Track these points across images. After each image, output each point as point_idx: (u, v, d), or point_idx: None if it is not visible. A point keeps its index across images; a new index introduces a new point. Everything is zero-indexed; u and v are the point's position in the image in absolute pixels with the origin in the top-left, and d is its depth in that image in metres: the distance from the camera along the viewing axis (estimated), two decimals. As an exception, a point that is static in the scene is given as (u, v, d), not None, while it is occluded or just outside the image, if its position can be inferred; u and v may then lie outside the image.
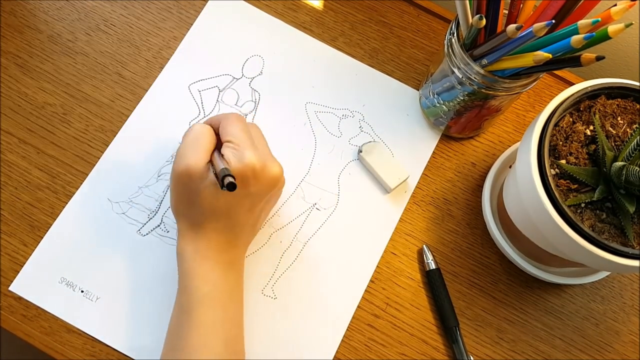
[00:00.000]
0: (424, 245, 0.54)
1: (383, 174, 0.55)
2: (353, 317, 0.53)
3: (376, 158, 0.56)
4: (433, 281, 0.53)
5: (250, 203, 0.47)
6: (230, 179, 0.41)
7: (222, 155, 0.45)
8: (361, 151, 0.56)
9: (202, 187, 0.45)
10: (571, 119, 0.45)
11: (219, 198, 0.45)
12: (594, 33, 0.39)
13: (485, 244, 0.56)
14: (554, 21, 0.40)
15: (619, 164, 0.41)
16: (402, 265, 0.55)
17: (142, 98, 0.57)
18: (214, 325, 0.45)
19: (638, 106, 0.46)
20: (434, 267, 0.53)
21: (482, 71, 0.46)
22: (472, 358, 0.51)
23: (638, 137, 0.41)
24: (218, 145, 0.47)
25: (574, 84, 0.56)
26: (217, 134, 0.47)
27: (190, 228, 0.47)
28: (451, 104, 0.53)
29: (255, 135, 0.48)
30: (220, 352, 0.44)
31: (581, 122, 0.45)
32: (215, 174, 0.44)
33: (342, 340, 0.52)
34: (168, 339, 0.46)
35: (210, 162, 0.45)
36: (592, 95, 0.45)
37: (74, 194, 0.54)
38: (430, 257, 0.54)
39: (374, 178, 0.57)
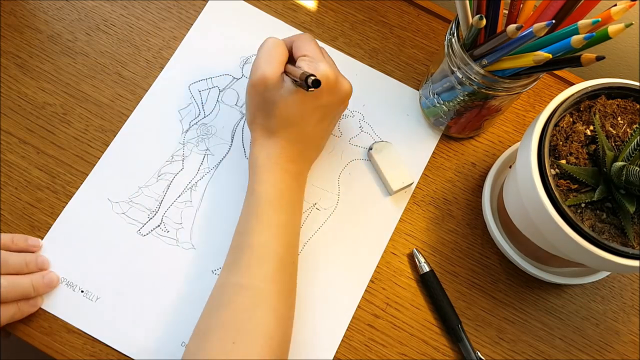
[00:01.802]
0: (414, 249, 0.54)
1: (388, 175, 0.55)
2: (353, 317, 0.53)
3: (384, 158, 0.56)
4: (429, 284, 0.53)
5: (321, 115, 0.50)
6: (314, 77, 0.43)
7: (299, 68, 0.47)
8: (371, 149, 0.56)
9: (278, 96, 0.47)
10: (571, 119, 0.45)
11: (294, 107, 0.48)
12: (594, 33, 0.39)
13: (485, 244, 0.56)
14: (554, 21, 0.40)
15: (619, 164, 0.41)
16: (402, 265, 0.55)
17: (142, 98, 0.57)
18: (278, 228, 0.48)
19: (638, 106, 0.46)
20: (427, 269, 0.53)
21: (482, 71, 0.46)
22: (479, 354, 0.51)
23: (638, 137, 0.41)
24: (290, 61, 0.50)
25: (574, 84, 0.56)
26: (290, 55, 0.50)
27: (265, 136, 0.50)
28: (451, 104, 0.53)
29: (326, 55, 0.51)
30: (282, 253, 0.47)
31: (581, 122, 0.45)
32: (294, 81, 0.46)
33: (342, 340, 0.52)
34: (234, 238, 0.49)
35: (285, 72, 0.48)
36: (592, 95, 0.45)
37: (74, 194, 0.54)
38: (422, 259, 0.54)
39: (375, 178, 0.57)
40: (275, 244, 0.47)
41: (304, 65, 0.47)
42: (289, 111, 0.48)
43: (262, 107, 0.49)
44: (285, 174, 0.49)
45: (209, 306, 0.47)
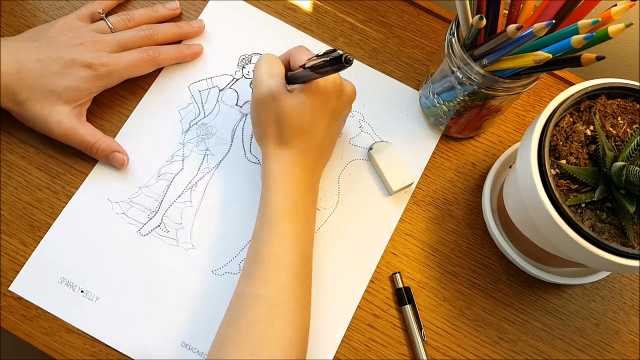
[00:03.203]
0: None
1: (388, 175, 0.55)
2: (353, 317, 0.53)
3: (384, 158, 0.56)
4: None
5: (330, 118, 0.50)
6: (345, 54, 0.42)
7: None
8: (372, 149, 0.56)
9: (287, 104, 0.48)
10: (571, 119, 0.45)
11: (304, 114, 0.48)
12: (594, 33, 0.40)
13: (485, 244, 0.56)
14: (554, 21, 0.40)
15: (619, 164, 0.41)
16: (402, 265, 0.55)
17: (142, 98, 0.57)
18: (293, 238, 0.48)
19: (638, 106, 0.46)
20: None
21: (482, 71, 0.46)
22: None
23: (638, 137, 0.41)
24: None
25: (574, 84, 0.56)
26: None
27: (277, 148, 0.50)
28: (451, 104, 0.53)
29: None
30: (297, 264, 0.47)
31: (581, 122, 0.45)
32: (315, 67, 0.45)
33: (342, 340, 0.52)
34: (250, 249, 0.49)
35: (305, 68, 0.47)
36: (592, 95, 0.45)
37: (74, 194, 0.54)
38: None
39: (375, 178, 0.57)
40: (291, 255, 0.47)
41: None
42: (301, 119, 0.48)
43: (273, 119, 0.49)
44: (300, 184, 0.50)
45: (227, 317, 0.47)
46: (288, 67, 0.51)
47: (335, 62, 0.42)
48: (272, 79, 0.48)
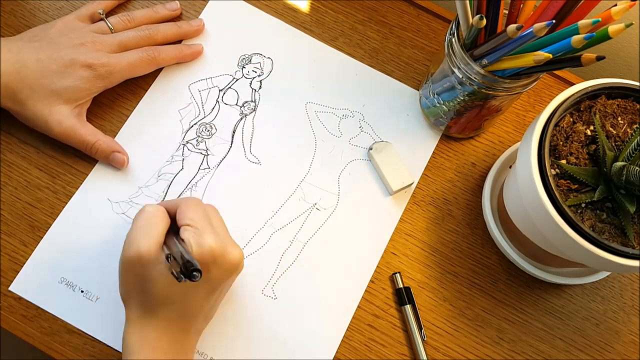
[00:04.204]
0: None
1: (388, 175, 0.55)
2: (353, 317, 0.53)
3: (384, 158, 0.56)
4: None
5: (208, 289, 0.45)
6: (195, 267, 0.39)
7: (182, 240, 0.43)
8: (371, 149, 0.56)
9: (156, 274, 0.43)
10: (571, 119, 0.45)
11: (174, 284, 0.43)
12: (594, 33, 0.40)
13: (485, 244, 0.56)
14: (554, 21, 0.40)
15: (620, 164, 0.41)
16: (402, 265, 0.55)
17: (142, 98, 0.57)
18: None
19: (638, 106, 0.46)
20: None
21: (482, 71, 0.46)
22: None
23: (638, 137, 0.41)
24: (173, 229, 0.45)
25: (574, 84, 0.56)
26: (172, 218, 0.46)
27: (141, 316, 0.44)
28: (451, 104, 0.53)
29: (214, 219, 0.46)
30: None
31: (581, 122, 0.45)
32: (168, 258, 0.42)
33: (342, 340, 0.52)
34: None
35: (165, 244, 0.43)
36: (593, 95, 0.45)
37: (74, 194, 0.54)
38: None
39: (375, 178, 0.57)
40: None
41: (189, 237, 0.43)
42: (169, 289, 0.43)
43: (138, 285, 0.43)
44: (164, 358, 0.43)
45: None
46: (174, 216, 0.46)
47: (187, 275, 0.39)
48: (145, 239, 0.43)
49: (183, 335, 0.45)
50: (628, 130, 0.45)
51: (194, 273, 0.39)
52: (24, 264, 0.52)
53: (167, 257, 0.42)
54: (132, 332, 0.44)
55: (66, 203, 0.54)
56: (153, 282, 0.43)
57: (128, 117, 0.57)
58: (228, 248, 0.44)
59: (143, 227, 0.44)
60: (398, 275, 0.53)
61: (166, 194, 0.55)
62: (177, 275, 0.40)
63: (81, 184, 0.54)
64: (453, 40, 0.47)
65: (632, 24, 0.39)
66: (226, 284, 0.47)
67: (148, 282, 0.43)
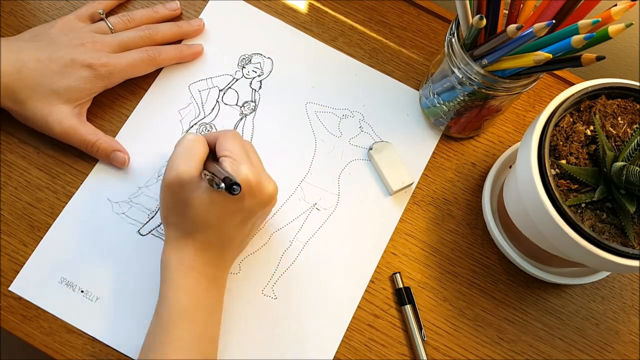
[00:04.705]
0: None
1: (388, 175, 0.55)
2: (353, 317, 0.53)
3: (384, 158, 0.56)
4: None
5: (242, 218, 0.46)
6: (234, 181, 0.41)
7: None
8: (371, 149, 0.56)
9: (195, 197, 0.44)
10: (571, 119, 0.45)
11: (211, 209, 0.44)
12: (594, 33, 0.40)
13: (485, 244, 0.56)
14: (554, 21, 0.40)
15: (620, 164, 0.41)
16: (402, 265, 0.55)
17: (142, 98, 0.57)
18: (192, 341, 0.44)
19: (638, 106, 0.46)
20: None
21: (482, 71, 0.46)
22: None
23: (638, 137, 0.41)
24: (211, 159, 0.47)
25: (574, 84, 0.56)
26: (212, 151, 0.47)
27: (179, 238, 0.46)
28: (451, 104, 0.53)
29: (251, 153, 0.48)
30: None
31: (581, 122, 0.45)
32: (211, 181, 0.43)
33: (342, 340, 0.52)
34: (141, 354, 0.45)
35: (205, 170, 0.45)
36: (593, 95, 0.45)
37: (74, 194, 0.54)
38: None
39: (375, 178, 0.57)
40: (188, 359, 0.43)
41: (226, 166, 0.44)
42: (207, 214, 0.44)
43: (178, 207, 0.45)
44: (201, 278, 0.46)
45: None
46: (214, 149, 0.47)
47: (227, 187, 0.41)
48: (186, 163, 0.44)
49: (217, 259, 0.47)
50: (628, 130, 0.45)
51: (234, 187, 0.40)
52: (24, 264, 0.52)
53: (206, 178, 0.43)
54: (170, 251, 0.46)
55: (66, 203, 0.54)
56: (191, 206, 0.44)
57: (128, 117, 0.57)
58: (263, 180, 0.46)
59: (183, 152, 0.45)
60: (398, 275, 0.53)
61: (166, 194, 0.55)
62: (218, 186, 0.42)
63: (81, 184, 0.54)
64: (453, 40, 0.47)
65: (632, 24, 0.39)
66: (260, 216, 0.49)
67: (187, 206, 0.45)
